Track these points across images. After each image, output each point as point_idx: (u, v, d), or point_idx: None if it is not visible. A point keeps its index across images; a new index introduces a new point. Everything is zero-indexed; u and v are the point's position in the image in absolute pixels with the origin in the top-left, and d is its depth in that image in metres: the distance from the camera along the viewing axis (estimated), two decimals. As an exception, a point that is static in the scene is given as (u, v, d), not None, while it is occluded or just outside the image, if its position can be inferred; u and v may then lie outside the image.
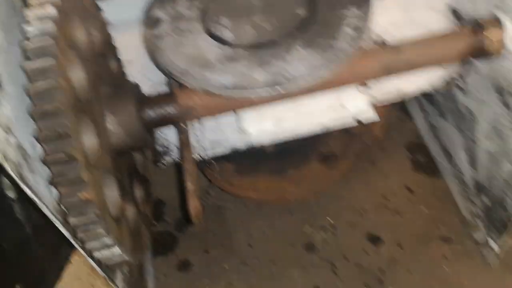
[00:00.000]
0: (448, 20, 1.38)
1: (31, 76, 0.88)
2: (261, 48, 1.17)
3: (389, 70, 1.24)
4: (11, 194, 1.14)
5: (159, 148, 1.49)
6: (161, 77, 1.49)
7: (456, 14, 1.37)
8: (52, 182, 0.89)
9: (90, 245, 0.99)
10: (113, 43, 1.37)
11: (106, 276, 1.18)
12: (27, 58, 0.89)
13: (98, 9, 1.27)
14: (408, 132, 2.01)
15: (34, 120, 0.88)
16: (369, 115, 1.43)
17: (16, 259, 1.11)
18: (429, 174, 1.89)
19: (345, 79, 1.25)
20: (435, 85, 1.48)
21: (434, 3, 1.38)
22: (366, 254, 1.71)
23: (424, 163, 1.92)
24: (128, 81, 1.33)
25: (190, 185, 1.24)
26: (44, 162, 0.88)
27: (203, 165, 1.54)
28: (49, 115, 0.87)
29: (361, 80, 1.29)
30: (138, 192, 1.32)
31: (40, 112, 0.87)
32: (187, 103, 1.22)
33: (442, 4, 1.38)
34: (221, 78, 1.12)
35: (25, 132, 0.90)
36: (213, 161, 1.46)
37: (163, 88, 1.51)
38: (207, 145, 1.48)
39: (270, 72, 1.11)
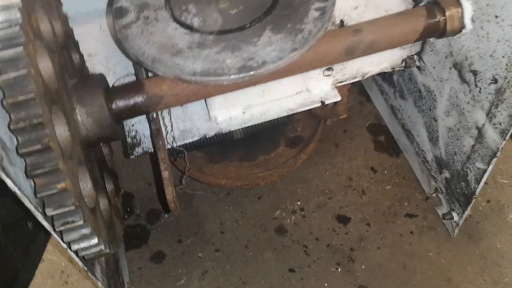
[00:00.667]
0: (407, 3, 1.43)
1: (0, 66, 0.86)
2: (230, 33, 1.18)
3: (352, 53, 1.28)
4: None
5: (129, 140, 1.48)
6: (124, 69, 1.48)
7: (414, -4, 1.42)
8: (29, 174, 0.88)
9: (69, 236, 0.98)
10: (73, 36, 1.35)
11: (86, 268, 1.17)
12: (-5, 47, 0.87)
13: (58, 1, 1.25)
14: (369, 115, 2.08)
15: (7, 111, 0.86)
16: (332, 95, 1.47)
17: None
18: (391, 154, 1.96)
19: (311, 63, 1.28)
20: (394, 65, 1.54)
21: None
22: (336, 234, 1.76)
23: (386, 143, 1.99)
24: (93, 74, 1.31)
25: (166, 173, 1.25)
26: (20, 153, 0.87)
27: (173, 155, 1.54)
28: (22, 105, 0.86)
29: (326, 64, 1.33)
30: (108, 185, 1.31)
31: (12, 102, 0.86)
32: (156, 92, 1.21)
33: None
34: (193, 65, 1.13)
35: (2, 125, 0.88)
36: (183, 150, 1.47)
37: (127, 80, 1.50)
38: (177, 134, 1.48)
39: (241, 57, 1.13)
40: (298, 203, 1.84)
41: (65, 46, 1.22)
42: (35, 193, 0.90)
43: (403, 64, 1.53)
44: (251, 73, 1.11)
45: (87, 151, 1.17)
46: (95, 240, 1.01)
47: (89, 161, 1.15)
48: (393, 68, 1.53)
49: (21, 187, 0.89)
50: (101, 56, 1.48)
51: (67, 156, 0.97)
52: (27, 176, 0.88)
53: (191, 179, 1.77)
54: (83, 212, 0.95)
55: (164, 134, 1.46)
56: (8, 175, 0.84)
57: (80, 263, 1.13)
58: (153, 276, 1.68)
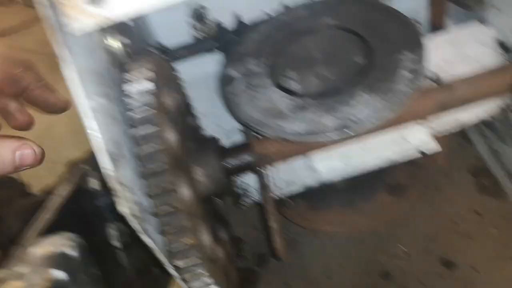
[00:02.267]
0: (497, 53, 1.46)
1: (139, 141, 1.04)
2: (327, 96, 1.29)
3: (444, 108, 1.33)
4: (116, 243, 1.30)
5: (239, 191, 1.64)
6: (233, 126, 1.65)
7: (503, 46, 1.45)
8: (161, 231, 1.04)
9: (193, 284, 1.12)
10: (188, 100, 1.54)
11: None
12: (133, 126, 1.05)
13: (175, 71, 1.43)
14: (470, 157, 2.05)
15: (144, 179, 1.04)
16: (431, 146, 1.51)
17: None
18: (495, 196, 1.92)
19: (404, 119, 1.36)
20: (492, 112, 1.55)
21: (481, 38, 1.47)
22: (442, 279, 1.75)
23: (489, 186, 1.96)
24: (207, 136, 1.49)
25: (274, 224, 1.37)
26: (154, 214, 1.04)
27: (279, 203, 1.66)
28: (156, 174, 1.03)
29: (420, 118, 1.39)
30: (222, 234, 1.46)
31: (148, 172, 1.03)
32: (263, 151, 1.35)
33: (489, 37, 1.47)
34: (294, 126, 1.25)
35: (139, 190, 1.06)
36: (288, 199, 1.59)
37: (236, 135, 1.67)
38: (282, 185, 1.61)
39: (338, 117, 1.23)
40: (401, 246, 1.87)
41: (182, 112, 1.40)
42: (167, 249, 1.06)
43: (500, 112, 1.54)
44: (348, 132, 1.21)
45: (204, 206, 1.33)
46: None
47: (207, 215, 1.31)
48: (491, 116, 1.55)
49: (157, 243, 1.06)
50: (213, 115, 1.67)
51: (191, 214, 1.13)
52: (160, 232, 1.04)
53: (295, 225, 1.88)
54: (205, 262, 1.10)
55: (270, 184, 1.59)
56: (147, 234, 1.01)
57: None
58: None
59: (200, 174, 1.30)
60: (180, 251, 1.06)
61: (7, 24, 3.55)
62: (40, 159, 0.89)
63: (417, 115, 1.34)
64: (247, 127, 1.37)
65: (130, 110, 1.07)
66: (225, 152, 1.37)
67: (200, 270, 1.09)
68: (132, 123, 1.06)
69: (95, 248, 1.06)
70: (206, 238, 1.23)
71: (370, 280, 1.80)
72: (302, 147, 1.35)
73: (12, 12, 3.75)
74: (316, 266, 1.88)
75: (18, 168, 0.88)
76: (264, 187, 1.41)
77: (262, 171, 1.43)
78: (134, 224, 0.95)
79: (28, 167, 0.88)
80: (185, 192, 1.17)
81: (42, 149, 0.93)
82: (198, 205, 1.23)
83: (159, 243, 1.07)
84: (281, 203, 1.66)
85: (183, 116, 1.40)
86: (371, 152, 1.56)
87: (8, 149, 0.83)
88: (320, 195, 1.79)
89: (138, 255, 1.47)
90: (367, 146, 1.56)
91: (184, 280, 1.12)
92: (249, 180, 1.64)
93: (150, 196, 1.04)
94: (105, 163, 0.94)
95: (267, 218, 1.37)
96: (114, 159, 0.98)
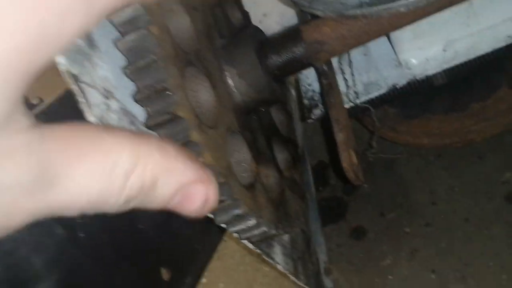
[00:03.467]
0: None
1: (120, 29, 0.75)
2: None
3: None
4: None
5: (306, 101, 1.30)
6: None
7: None
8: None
9: (220, 218, 0.84)
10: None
11: (259, 251, 1.04)
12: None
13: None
14: None
15: (130, 79, 0.75)
16: None
17: (157, 241, 1.02)
18: None
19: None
20: None
21: None
22: None
23: None
24: (247, 28, 1.15)
25: (340, 136, 1.02)
26: (147, 126, 0.75)
27: (358, 114, 1.29)
28: (144, 71, 0.74)
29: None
30: (281, 155, 1.14)
31: (133, 68, 0.74)
32: (316, 37, 0.99)
33: None
34: (354, -6, 0.87)
35: (130, 96, 0.78)
36: (370, 107, 1.21)
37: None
38: (360, 89, 1.24)
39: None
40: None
41: (219, 4, 1.08)
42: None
43: None
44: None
45: (245, 117, 1.02)
46: (252, 221, 0.86)
47: (247, 129, 1.00)
48: None
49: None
50: (276, 14, 1.34)
51: (207, 125, 0.82)
52: (158, 151, 0.76)
53: (388, 142, 1.49)
54: (231, 189, 0.80)
55: (345, 90, 1.23)
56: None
57: (250, 245, 1.00)
58: (353, 254, 1.48)
59: (233, 75, 0.98)
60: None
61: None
62: (205, 213, 0.49)
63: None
64: (298, 7, 1.02)
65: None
66: (267, 45, 1.03)
67: (221, 197, 0.80)
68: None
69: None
70: (240, 157, 0.92)
71: (492, 205, 1.38)
72: (371, 24, 0.96)
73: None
74: (418, 190, 1.50)
75: (168, 208, 0.48)
76: (327, 88, 1.06)
77: (325, 67, 1.07)
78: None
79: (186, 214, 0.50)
80: (204, 96, 0.87)
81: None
82: (228, 115, 0.93)
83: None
84: (362, 113, 1.29)
85: (219, 8, 1.08)
86: (483, 30, 1.12)
87: (174, 179, 0.46)
88: (414, 99, 1.38)
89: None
90: (476, 22, 1.12)
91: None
92: (318, 86, 1.29)
93: (138, 101, 0.75)
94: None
95: (332, 129, 1.02)
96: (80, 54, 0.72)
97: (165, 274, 1.03)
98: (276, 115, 1.25)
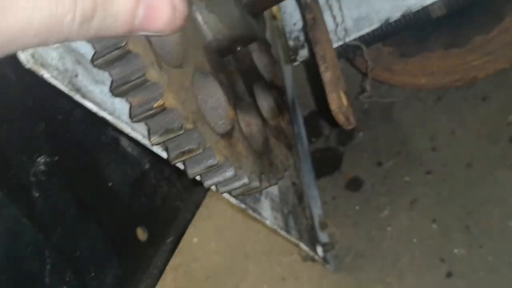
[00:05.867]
0: None
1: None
2: None
3: None
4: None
5: (291, 43, 1.19)
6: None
7: None
8: (113, 91, 0.65)
9: (193, 170, 0.75)
10: None
11: (244, 205, 0.95)
12: None
13: None
14: None
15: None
16: None
17: (131, 200, 0.93)
18: None
19: None
20: None
21: None
22: None
23: None
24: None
25: (327, 76, 0.92)
26: (95, 64, 0.65)
27: (349, 54, 1.18)
28: None
29: None
30: (264, 102, 1.04)
31: None
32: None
33: None
34: None
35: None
36: (360, 45, 1.10)
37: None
38: (349, 25, 1.13)
39: None
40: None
41: None
42: (130, 117, 0.68)
43: None
44: None
45: (222, 61, 0.91)
46: (230, 172, 0.77)
47: (223, 72, 0.89)
48: None
49: (115, 112, 0.68)
50: None
51: (171, 65, 0.72)
52: (112, 93, 0.66)
53: (383, 85, 1.38)
54: (201, 136, 0.71)
55: (333, 27, 1.12)
56: (85, 96, 0.64)
57: (232, 200, 0.91)
58: (350, 206, 1.40)
59: (201, 11, 0.87)
60: (147, 117, 0.67)
61: None
62: (178, 25, 0.48)
63: None
64: None
65: None
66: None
67: (189, 146, 0.71)
68: None
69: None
70: (213, 103, 0.82)
71: (496, 149, 1.29)
72: None
73: None
74: (417, 136, 1.41)
75: (137, 30, 0.47)
76: (311, 22, 0.95)
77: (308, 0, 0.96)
78: (52, 81, 0.59)
79: (155, 33, 0.49)
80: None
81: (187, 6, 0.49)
82: (197, 54, 0.82)
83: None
84: (352, 53, 1.18)
85: None
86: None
87: None
88: (410, 35, 1.26)
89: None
90: None
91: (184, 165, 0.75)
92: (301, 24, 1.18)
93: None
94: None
95: (317, 66, 0.91)
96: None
97: (141, 234, 0.94)
98: (259, 58, 1.14)
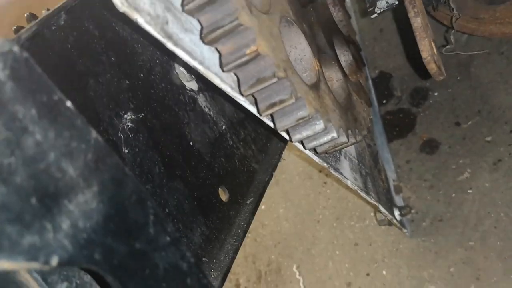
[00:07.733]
0: None
1: None
2: None
3: None
4: (191, 85, 0.93)
5: (365, -4, 1.12)
6: None
7: None
8: (205, 38, 0.62)
9: (282, 122, 0.71)
10: None
11: (326, 164, 0.91)
12: None
13: None
14: None
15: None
16: None
17: (211, 160, 0.91)
18: None
19: None
20: None
21: None
22: None
23: None
24: None
25: (418, 21, 0.85)
26: (186, 10, 0.62)
27: (432, 2, 1.11)
28: None
29: None
30: (344, 57, 0.99)
31: None
32: None
33: None
34: None
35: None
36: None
37: None
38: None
39: None
40: None
41: None
42: (220, 66, 0.65)
43: None
44: None
45: (303, 10, 0.87)
46: (320, 125, 0.73)
47: (306, 24, 0.84)
48: None
49: (204, 62, 0.65)
50: None
51: (260, 10, 0.68)
52: (202, 41, 0.63)
53: (464, 36, 1.29)
54: (293, 85, 0.67)
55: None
56: (177, 44, 0.61)
57: (315, 158, 0.87)
58: (426, 170, 1.33)
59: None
60: (239, 65, 0.64)
61: None
62: None
63: None
64: None
65: None
66: None
67: (281, 96, 0.67)
68: None
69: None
70: (300, 51, 0.78)
71: None
72: None
73: None
74: (500, 93, 1.31)
75: None
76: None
77: None
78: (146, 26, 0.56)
79: None
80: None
81: None
82: (281, 2, 0.78)
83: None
84: (434, 7, 1.10)
85: None
86: None
87: None
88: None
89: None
90: None
91: (268, 117, 0.72)
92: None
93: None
94: None
95: (408, 15, 0.85)
96: None
97: (223, 194, 0.92)
98: (334, 11, 1.09)
